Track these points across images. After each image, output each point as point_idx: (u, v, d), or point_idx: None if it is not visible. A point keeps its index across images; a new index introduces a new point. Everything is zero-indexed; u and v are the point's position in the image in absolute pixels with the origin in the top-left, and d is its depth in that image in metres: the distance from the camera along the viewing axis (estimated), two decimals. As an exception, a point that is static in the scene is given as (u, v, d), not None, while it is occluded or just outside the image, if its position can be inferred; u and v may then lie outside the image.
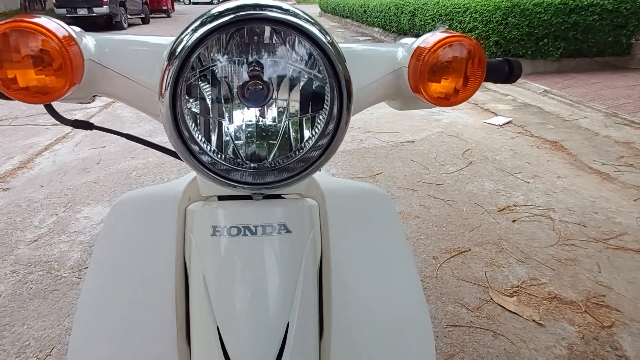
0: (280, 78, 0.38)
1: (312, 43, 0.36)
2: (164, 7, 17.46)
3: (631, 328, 1.43)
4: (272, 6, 0.35)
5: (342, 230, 0.47)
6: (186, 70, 0.35)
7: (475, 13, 5.28)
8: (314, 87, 0.39)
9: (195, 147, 0.37)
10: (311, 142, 0.40)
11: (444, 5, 6.08)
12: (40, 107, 3.43)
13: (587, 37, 4.99)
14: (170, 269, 0.44)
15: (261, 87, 0.38)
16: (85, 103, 0.50)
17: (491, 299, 1.58)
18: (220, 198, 0.44)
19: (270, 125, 0.39)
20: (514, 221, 2.10)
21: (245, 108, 0.39)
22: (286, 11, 0.35)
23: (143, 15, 14.31)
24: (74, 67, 0.38)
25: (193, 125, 0.37)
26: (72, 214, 2.16)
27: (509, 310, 1.52)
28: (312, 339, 0.42)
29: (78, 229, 2.01)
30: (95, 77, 0.41)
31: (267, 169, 0.39)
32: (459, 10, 5.64)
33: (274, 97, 0.39)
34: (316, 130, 0.40)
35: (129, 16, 12.83)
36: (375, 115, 3.85)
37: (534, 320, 1.47)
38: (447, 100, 0.45)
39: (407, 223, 2.08)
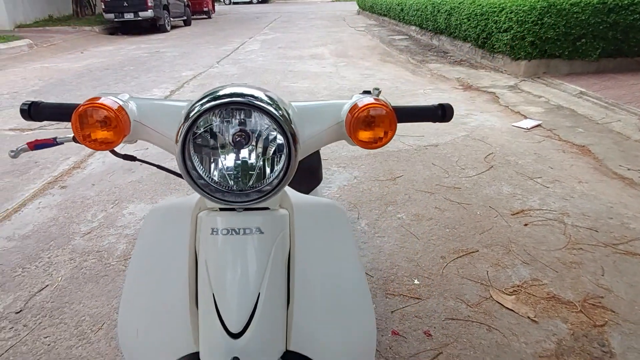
0: (255, 133, 0.59)
1: (269, 117, 0.57)
2: (205, 9, 18.15)
3: (623, 328, 1.54)
4: (250, 95, 0.56)
5: (305, 233, 0.67)
6: (194, 127, 0.57)
7: (510, 13, 5.28)
8: (277, 139, 0.59)
9: (195, 174, 0.58)
10: (275, 174, 0.60)
11: (480, 5, 6.09)
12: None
13: (628, 36, 4.88)
14: (185, 258, 0.66)
15: (244, 136, 0.58)
16: (131, 144, 0.72)
17: (491, 296, 1.72)
18: (221, 209, 0.65)
19: (251, 162, 0.60)
20: (525, 225, 2.21)
21: (232, 151, 0.59)
22: (257, 98, 0.56)
23: (185, 18, 14.97)
24: (124, 127, 0.60)
25: (197, 160, 0.59)
26: (119, 210, 2.47)
27: (506, 307, 1.66)
28: (279, 305, 0.62)
29: (124, 224, 2.32)
30: (137, 130, 0.64)
31: (246, 191, 0.59)
32: (495, 10, 5.65)
33: (252, 144, 0.59)
34: (277, 165, 0.60)
35: (171, 19, 13.49)
36: (402, 118, 3.99)
37: (529, 317, 1.61)
38: (374, 144, 0.64)
39: (420, 224, 2.24)
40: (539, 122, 3.78)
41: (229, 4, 31.11)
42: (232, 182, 0.59)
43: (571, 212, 2.31)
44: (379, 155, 3.17)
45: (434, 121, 0.72)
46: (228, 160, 0.59)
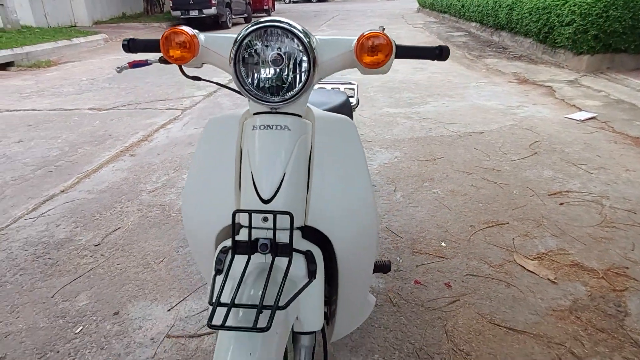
0: (288, 53, 0.81)
1: (298, 40, 0.79)
2: (265, 7, 18.86)
3: (643, 293, 1.61)
4: (283, 21, 0.78)
5: (323, 138, 0.88)
6: (242, 46, 0.80)
7: (574, 6, 5.17)
8: (303, 60, 0.81)
9: (243, 82, 0.81)
10: (299, 85, 0.82)
11: (542, -2, 5.98)
12: (156, 97, 4.27)
13: None
14: (233, 151, 0.89)
15: (280, 57, 0.80)
16: (198, 67, 0.97)
17: (514, 260, 1.84)
18: (258, 114, 0.87)
19: (284, 75, 0.82)
20: (561, 204, 2.28)
21: (271, 67, 0.81)
22: (290, 24, 0.78)
23: (246, 15, 15.69)
24: (195, 48, 0.84)
25: (245, 73, 0.82)
26: (179, 174, 2.82)
27: (528, 270, 1.78)
28: (300, 186, 0.83)
29: (183, 185, 2.65)
30: (203, 53, 0.88)
31: (279, 95, 0.82)
32: (557, 3, 5.54)
33: (285, 63, 0.81)
34: (301, 79, 0.82)
35: (233, 16, 14.20)
36: (450, 108, 4.09)
37: (548, 279, 1.72)
38: (377, 66, 0.84)
39: (454, 198, 2.38)
40: (594, 114, 3.73)
41: (289, 2, 31.95)
42: (268, 89, 0.82)
43: (611, 196, 2.34)
44: (421, 139, 3.31)
45: (432, 59, 0.90)
46: (267, 73, 0.82)
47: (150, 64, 1.07)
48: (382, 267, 1.42)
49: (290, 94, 0.82)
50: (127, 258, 1.95)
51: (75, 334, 1.52)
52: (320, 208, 0.87)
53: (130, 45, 0.98)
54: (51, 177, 2.81)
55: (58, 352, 1.44)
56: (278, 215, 0.78)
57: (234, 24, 14.44)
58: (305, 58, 0.81)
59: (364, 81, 5.35)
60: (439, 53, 0.90)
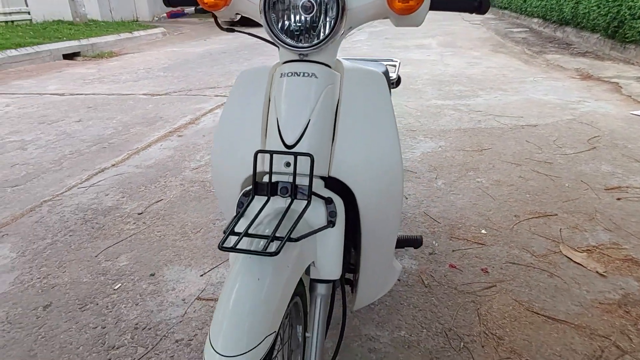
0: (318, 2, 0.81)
1: None
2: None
3: None
4: None
5: (351, 89, 0.87)
6: None
7: (648, -5, 4.81)
8: (332, 8, 0.81)
9: (274, 30, 0.82)
10: (327, 30, 0.81)
11: (612, -11, 5.61)
12: (206, 85, 4.42)
13: None
14: (263, 98, 0.91)
15: (310, 3, 0.81)
16: (233, 19, 0.99)
17: (560, 251, 1.74)
18: (287, 62, 0.88)
19: (313, 21, 0.82)
20: (618, 199, 2.13)
21: (301, 14, 0.82)
22: None
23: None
24: None
25: (275, 20, 0.82)
26: (222, 155, 2.90)
27: (574, 262, 1.67)
28: (325, 135, 0.83)
29: (225, 164, 2.73)
30: (235, 1, 0.90)
31: (307, 43, 0.82)
32: (629, -7, 5.17)
33: (315, 9, 0.81)
34: (330, 25, 0.81)
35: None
36: (503, 101, 3.93)
37: (597, 272, 1.61)
38: (409, 11, 0.82)
39: (499, 188, 2.29)
40: (666, 111, 3.45)
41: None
42: (298, 37, 0.83)
43: (678, 193, 2.16)
44: (468, 130, 3.21)
45: (470, 11, 0.88)
46: (297, 20, 0.82)
47: (186, 13, 1.11)
48: (412, 242, 1.39)
49: (317, 40, 0.83)
50: (167, 227, 2.03)
51: (114, 290, 1.61)
52: (344, 159, 0.87)
53: (170, 0, 1.03)
54: (104, 153, 2.99)
55: (97, 304, 1.53)
56: (300, 163, 0.79)
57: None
58: (334, 3, 0.81)
59: (413, 74, 5.27)
60: (478, 5, 0.87)
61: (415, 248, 1.52)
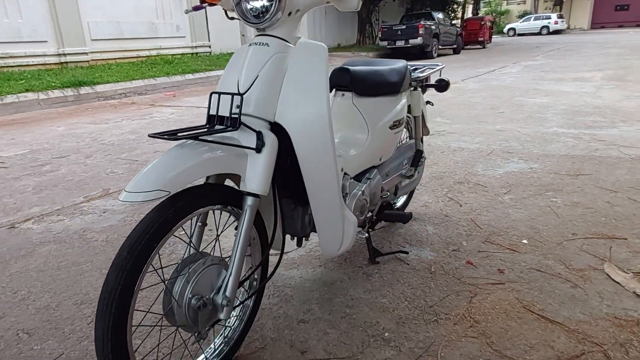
0: None
1: None
2: (480, 39, 18.75)
3: None
4: None
5: (297, 58, 1.15)
6: None
7: None
8: None
9: (239, 10, 1.15)
10: (272, 8, 1.12)
11: None
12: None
13: None
14: (240, 63, 1.24)
15: None
16: (232, 11, 1.37)
17: (602, 269, 1.64)
18: (256, 36, 1.20)
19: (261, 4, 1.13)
20: None
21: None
22: None
23: (455, 46, 15.97)
24: None
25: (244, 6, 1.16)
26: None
27: (613, 279, 1.57)
28: (270, 90, 1.11)
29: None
30: None
31: (258, 20, 1.14)
32: None
33: None
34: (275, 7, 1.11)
35: (440, 46, 14.68)
36: (642, 132, 3.54)
37: (634, 292, 1.49)
38: None
39: (572, 209, 2.17)
40: None
41: (513, 35, 30.76)
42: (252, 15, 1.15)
43: None
44: (576, 157, 3.02)
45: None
46: (250, 4, 1.15)
47: (203, 7, 1.51)
48: (400, 217, 1.54)
49: (264, 17, 1.13)
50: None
51: (180, 236, 2.09)
52: (284, 109, 1.15)
53: None
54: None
55: (165, 243, 2.03)
56: (245, 104, 1.10)
57: (440, 55, 14.89)
58: None
59: (547, 104, 5.02)
60: None
61: (403, 223, 1.63)
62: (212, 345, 1.24)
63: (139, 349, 1.30)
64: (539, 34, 30.03)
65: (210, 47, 11.18)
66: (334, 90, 1.60)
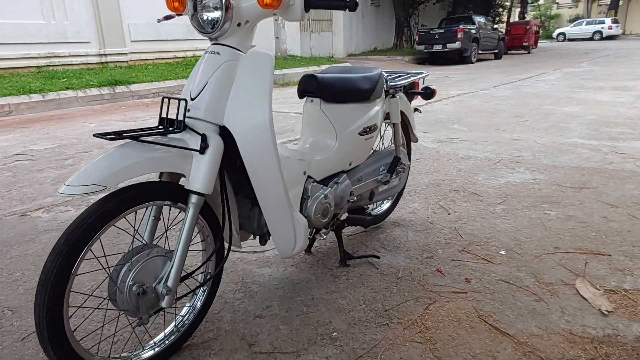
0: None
1: None
2: (525, 44, 18.20)
3: None
4: None
5: (245, 66, 1.21)
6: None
7: None
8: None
9: (193, 22, 1.23)
10: (220, 21, 1.19)
11: None
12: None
13: None
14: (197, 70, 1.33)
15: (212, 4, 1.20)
16: None
17: (574, 284, 1.62)
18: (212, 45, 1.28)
19: (212, 17, 1.21)
20: None
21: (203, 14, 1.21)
22: None
23: (496, 51, 15.59)
24: (184, 3, 1.35)
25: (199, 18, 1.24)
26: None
27: (581, 295, 1.55)
28: (219, 95, 1.17)
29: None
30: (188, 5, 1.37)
31: (209, 28, 1.21)
32: None
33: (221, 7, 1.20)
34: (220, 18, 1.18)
35: (480, 51, 14.37)
36: (667, 146, 3.38)
37: (599, 310, 1.46)
38: (271, 6, 1.14)
39: (564, 223, 2.13)
40: None
41: (563, 40, 29.62)
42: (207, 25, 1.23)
43: None
44: (586, 169, 2.93)
45: (343, 9, 1.15)
46: (204, 16, 1.22)
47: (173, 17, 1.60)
48: (362, 221, 1.58)
49: (212, 29, 1.21)
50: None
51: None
52: (231, 114, 1.23)
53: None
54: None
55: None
56: (197, 109, 1.19)
57: (479, 60, 14.58)
58: (222, 3, 1.18)
59: (575, 113, 4.86)
60: (347, 4, 1.15)
61: (364, 227, 1.65)
62: (163, 332, 1.33)
63: (87, 329, 1.41)
64: (591, 39, 28.76)
65: (245, 49, 11.48)
66: (305, 96, 1.67)
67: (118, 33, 8.94)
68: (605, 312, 1.45)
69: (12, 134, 4.74)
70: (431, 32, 13.66)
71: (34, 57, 8.04)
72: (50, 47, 8.20)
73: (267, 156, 1.25)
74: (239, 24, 1.21)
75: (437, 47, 13.46)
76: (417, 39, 13.98)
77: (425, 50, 13.78)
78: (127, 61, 9.20)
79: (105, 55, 8.87)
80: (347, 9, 1.16)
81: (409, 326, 1.41)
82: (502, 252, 1.87)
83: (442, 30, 13.45)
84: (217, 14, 1.19)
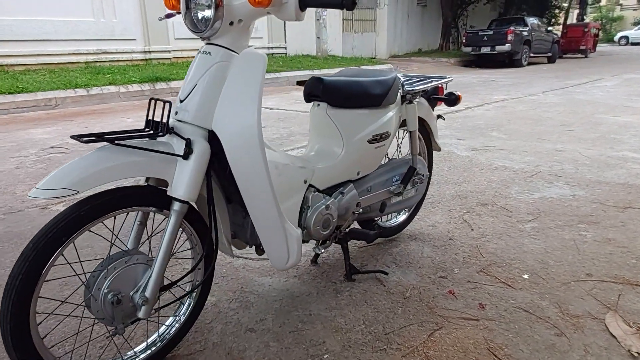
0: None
1: None
2: (582, 47, 17.28)
3: None
4: None
5: (237, 67, 1.14)
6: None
7: None
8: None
9: (186, 21, 1.17)
10: (210, 21, 1.12)
11: None
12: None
13: None
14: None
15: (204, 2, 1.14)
16: None
17: (603, 318, 1.45)
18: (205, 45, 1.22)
19: (203, 16, 1.14)
20: None
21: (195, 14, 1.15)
22: None
23: (550, 54, 14.89)
24: (178, 2, 1.30)
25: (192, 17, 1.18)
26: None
27: (610, 332, 1.38)
28: (208, 98, 1.11)
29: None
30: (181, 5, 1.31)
31: (201, 28, 1.15)
32: None
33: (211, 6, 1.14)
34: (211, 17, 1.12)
35: (531, 54, 13.76)
36: None
37: (629, 351, 1.30)
38: (261, 4, 1.06)
39: (599, 246, 1.94)
40: None
41: (625, 44, 27.94)
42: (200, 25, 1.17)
43: None
44: (635, 186, 2.68)
45: (340, 8, 1.06)
46: (196, 15, 1.17)
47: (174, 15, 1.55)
48: (365, 236, 1.48)
49: (204, 28, 1.15)
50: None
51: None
52: (219, 118, 1.16)
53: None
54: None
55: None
56: (186, 111, 1.14)
57: (531, 63, 13.96)
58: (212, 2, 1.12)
59: (630, 124, 4.51)
60: (344, 3, 1.06)
61: (367, 242, 1.53)
62: (145, 342, 1.28)
63: (63, 336, 1.39)
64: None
65: (286, 48, 11.51)
66: (311, 100, 1.59)
67: (162, 31, 9.19)
68: (636, 355, 1.28)
69: (55, 126, 4.93)
70: (479, 33, 13.20)
71: (83, 53, 8.39)
72: (98, 43, 8.53)
73: (255, 163, 1.19)
74: (231, 23, 1.15)
75: (485, 50, 13.00)
76: (464, 41, 13.56)
77: (472, 53, 13.34)
78: (169, 58, 9.45)
79: (150, 52, 9.14)
80: (345, 8, 1.07)
81: (408, 353, 1.31)
82: (526, 276, 1.72)
83: (491, 32, 12.97)
84: (209, 12, 1.13)
